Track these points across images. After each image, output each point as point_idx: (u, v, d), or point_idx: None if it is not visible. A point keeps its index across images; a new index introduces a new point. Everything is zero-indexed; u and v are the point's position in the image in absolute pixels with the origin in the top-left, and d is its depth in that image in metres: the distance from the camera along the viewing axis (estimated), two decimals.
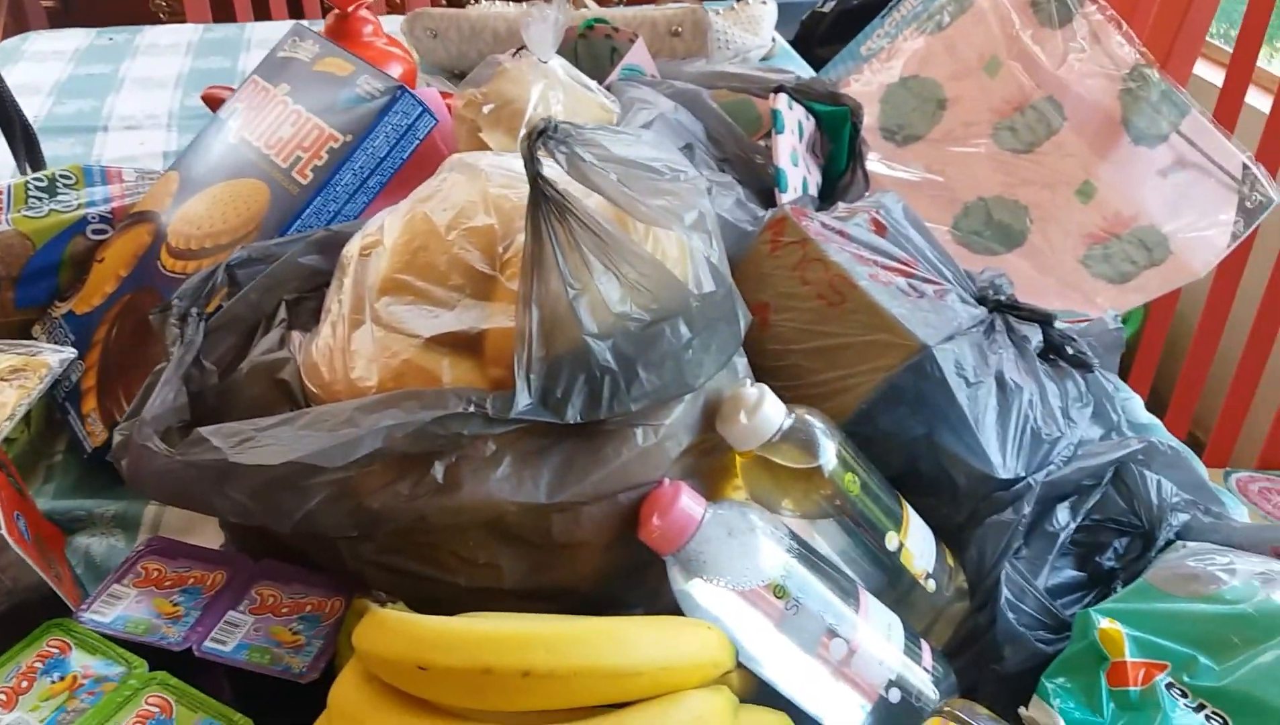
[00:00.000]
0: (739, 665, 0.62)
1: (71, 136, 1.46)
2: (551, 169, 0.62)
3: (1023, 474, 0.77)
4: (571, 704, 0.53)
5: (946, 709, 0.58)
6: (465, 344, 0.64)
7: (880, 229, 0.90)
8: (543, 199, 0.61)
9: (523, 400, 0.60)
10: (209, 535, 0.75)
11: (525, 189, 0.62)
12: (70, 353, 0.89)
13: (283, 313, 0.74)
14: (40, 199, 1.00)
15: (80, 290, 0.96)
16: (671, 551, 0.62)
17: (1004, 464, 0.76)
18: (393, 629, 0.53)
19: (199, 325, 0.73)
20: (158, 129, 1.49)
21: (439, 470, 0.60)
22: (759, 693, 0.63)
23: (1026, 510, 0.73)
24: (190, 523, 0.80)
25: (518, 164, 0.66)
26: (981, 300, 0.86)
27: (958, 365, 0.76)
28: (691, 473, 0.66)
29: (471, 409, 0.59)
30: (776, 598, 0.61)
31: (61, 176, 1.02)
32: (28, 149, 1.22)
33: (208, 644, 0.62)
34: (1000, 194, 1.30)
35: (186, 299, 0.74)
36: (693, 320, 0.63)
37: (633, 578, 0.65)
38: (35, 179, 1.01)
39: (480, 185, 0.69)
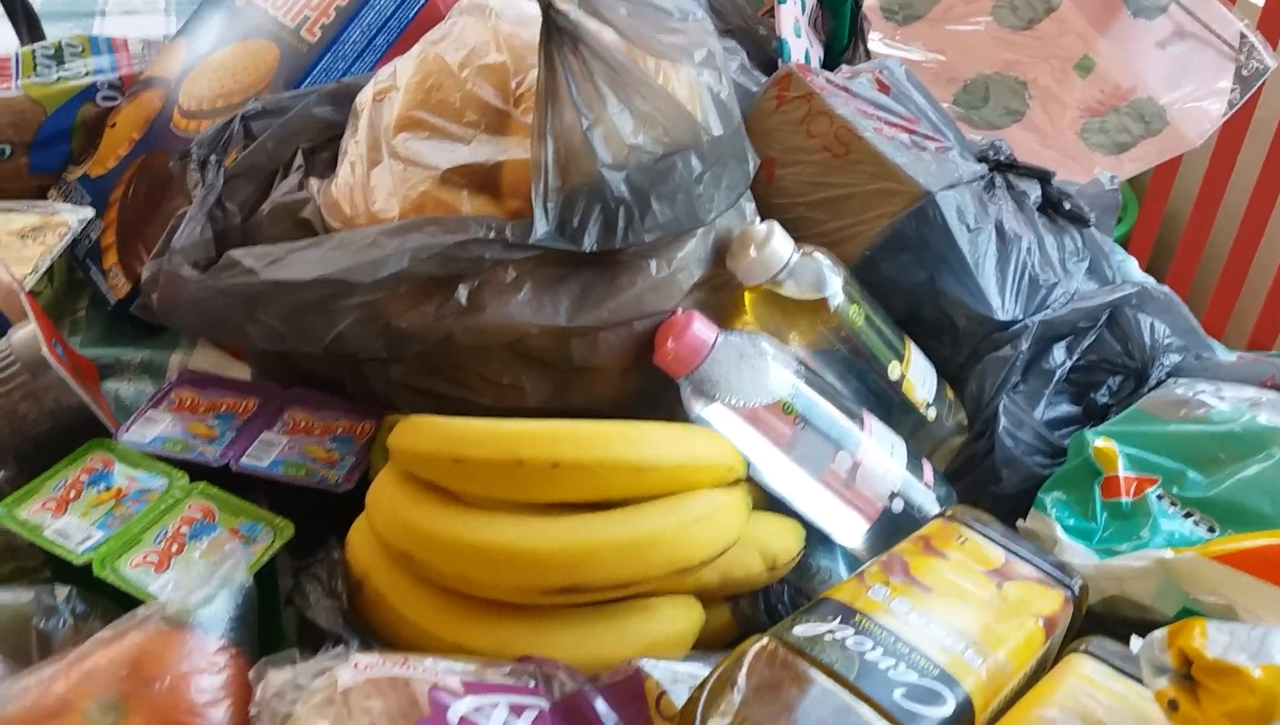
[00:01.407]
0: (750, 480, 0.65)
1: (70, 21, 1.46)
2: (563, 3, 0.63)
3: (1020, 316, 0.79)
4: (596, 496, 0.56)
5: (949, 513, 0.61)
6: (482, 177, 0.66)
7: (883, 88, 0.91)
8: (555, 30, 0.62)
9: (540, 228, 0.62)
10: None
11: (536, 28, 0.64)
12: (88, 212, 0.91)
13: (299, 160, 0.76)
14: (48, 66, 1.00)
15: (93, 155, 0.97)
16: (685, 374, 0.64)
17: (1003, 306, 0.79)
18: (429, 428, 0.56)
19: (219, 171, 0.74)
20: (155, 13, 1.49)
21: (462, 293, 0.62)
22: (767, 507, 0.66)
23: (1025, 347, 0.76)
24: (215, 368, 0.82)
25: (528, 6, 0.67)
26: (982, 159, 0.88)
27: (959, 211, 0.79)
28: (702, 307, 0.68)
29: (491, 234, 0.61)
30: (785, 415, 0.64)
31: (68, 45, 1.03)
32: (29, 27, 1.22)
33: (245, 460, 0.64)
34: (1000, 71, 1.31)
35: (205, 146, 0.76)
36: (704, 154, 0.65)
37: (649, 402, 0.67)
38: (43, 47, 1.02)
39: (491, 24, 0.70)
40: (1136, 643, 0.53)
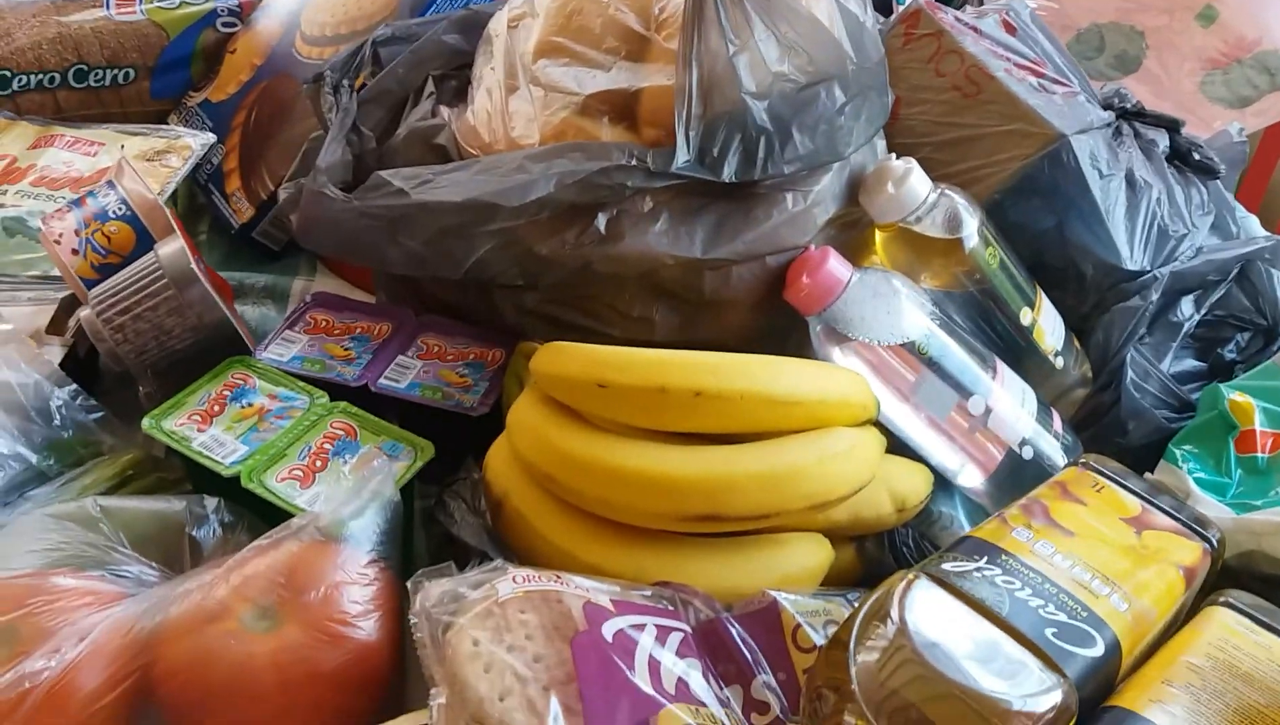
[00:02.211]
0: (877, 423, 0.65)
1: None
2: None
3: (1148, 267, 0.78)
4: (735, 427, 0.56)
5: (1082, 460, 0.60)
6: (622, 104, 0.66)
7: (1010, 29, 0.89)
8: None
9: (682, 155, 0.62)
10: None
11: None
12: (210, 137, 0.92)
13: (430, 87, 0.76)
14: None
15: (213, 80, 0.98)
16: (817, 311, 0.64)
17: (1131, 256, 0.77)
18: (574, 353, 0.57)
19: (352, 96, 0.75)
20: None
21: (602, 221, 0.62)
22: (894, 451, 0.66)
23: (1154, 298, 0.75)
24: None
25: None
26: (1107, 106, 0.86)
27: (1092, 156, 0.77)
28: (833, 243, 0.68)
29: (633, 162, 0.61)
30: (917, 356, 0.63)
31: None
32: None
33: (382, 381, 0.66)
34: (1115, 20, 1.27)
35: (337, 71, 0.76)
36: (848, 85, 0.64)
37: (776, 339, 0.67)
38: None
39: None
40: None
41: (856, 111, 0.66)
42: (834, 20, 0.66)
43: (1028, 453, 0.65)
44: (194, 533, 0.57)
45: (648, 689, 0.45)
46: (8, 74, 0.95)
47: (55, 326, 0.69)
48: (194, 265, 0.64)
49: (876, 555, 0.62)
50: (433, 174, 0.63)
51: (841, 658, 0.45)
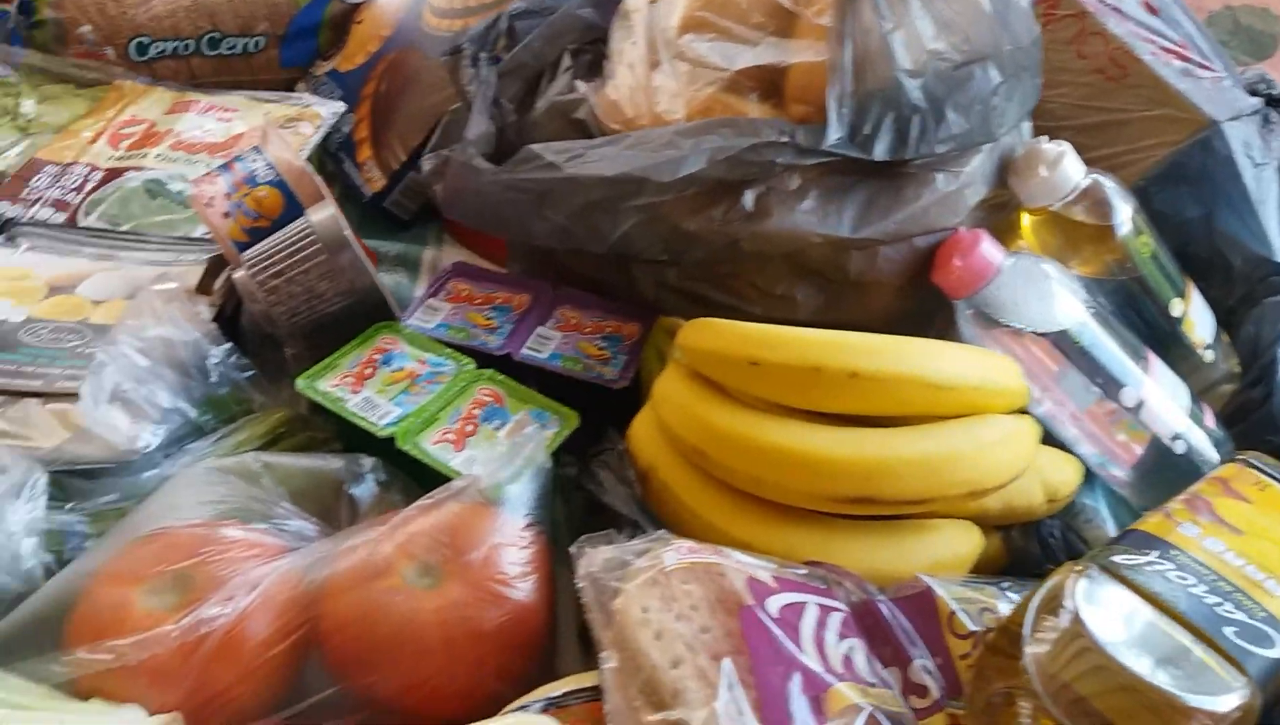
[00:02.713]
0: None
1: None
2: None
3: None
4: (889, 410, 0.55)
5: (1241, 457, 0.59)
6: (770, 80, 0.65)
7: (1152, 10, 0.87)
8: None
9: (834, 133, 0.61)
10: None
11: None
12: (340, 105, 0.94)
13: (567, 61, 0.76)
14: None
15: (341, 50, 0.99)
16: (966, 295, 0.63)
17: None
18: (725, 329, 0.57)
19: (490, 68, 0.75)
20: None
21: (749, 198, 0.62)
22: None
23: None
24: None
25: None
26: (1253, 93, 0.83)
27: (1245, 144, 0.75)
28: (981, 226, 0.67)
29: (784, 139, 0.61)
30: (1068, 345, 0.62)
31: None
32: None
33: (525, 351, 0.66)
34: (1249, 2, 1.23)
35: (475, 43, 0.77)
36: (1003, 65, 0.63)
37: (918, 323, 0.66)
38: None
39: None
40: None
41: (1010, 92, 0.65)
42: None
43: (1180, 447, 0.64)
44: (352, 490, 0.58)
45: (816, 666, 0.45)
46: (145, 40, 0.97)
47: (202, 287, 0.71)
48: (346, 231, 0.65)
49: (1022, 545, 0.61)
50: (583, 148, 0.63)
51: (1014, 648, 0.45)
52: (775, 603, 0.47)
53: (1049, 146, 0.67)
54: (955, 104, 0.62)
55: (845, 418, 0.56)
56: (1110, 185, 0.68)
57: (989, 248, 0.63)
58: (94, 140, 0.90)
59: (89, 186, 0.85)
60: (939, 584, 0.53)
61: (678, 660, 0.44)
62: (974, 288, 0.63)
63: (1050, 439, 0.64)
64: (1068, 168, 0.66)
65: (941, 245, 0.64)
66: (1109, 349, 0.63)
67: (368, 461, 0.59)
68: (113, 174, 0.86)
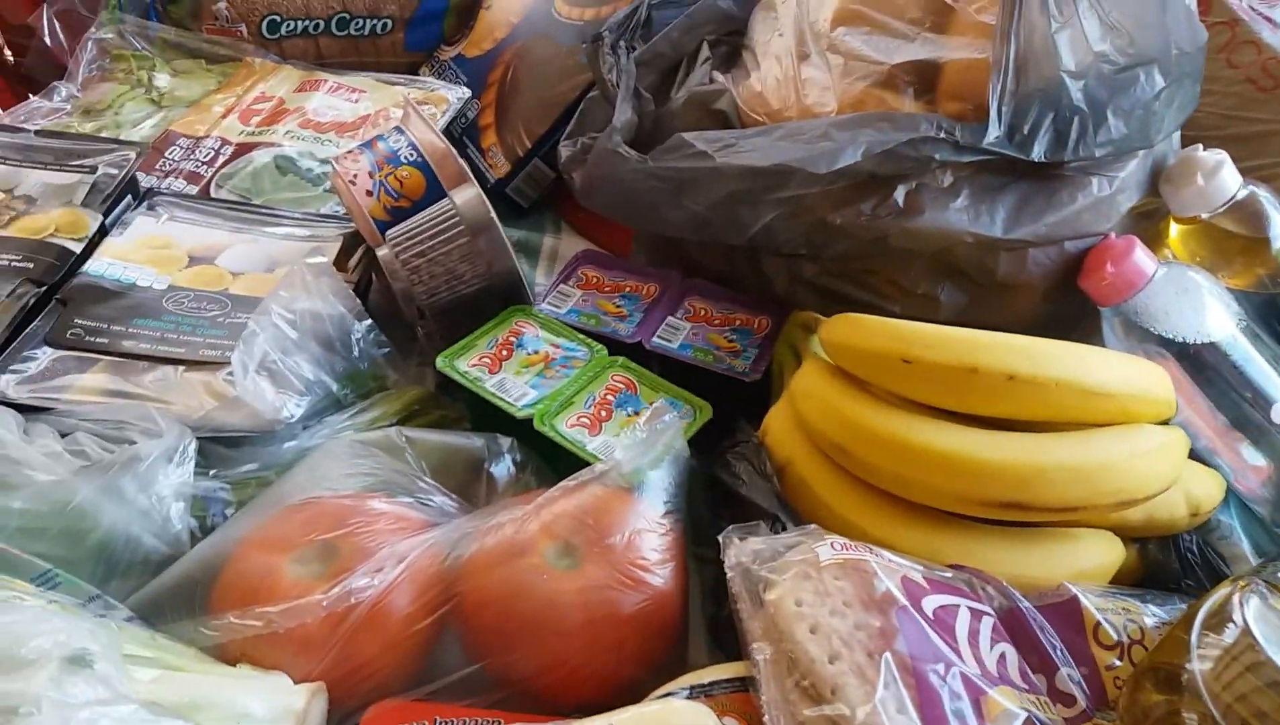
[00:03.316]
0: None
1: None
2: None
3: None
4: (1043, 415, 0.54)
5: None
6: (924, 76, 0.64)
7: None
8: None
9: (994, 131, 0.60)
10: None
11: None
12: (465, 91, 0.94)
13: (706, 51, 0.76)
14: None
15: (467, 35, 1.00)
16: (1116, 302, 0.62)
17: None
18: (875, 325, 0.56)
19: (629, 57, 0.75)
20: None
21: (900, 194, 0.61)
22: None
23: None
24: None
25: None
26: None
27: None
28: (1130, 233, 0.65)
29: (942, 135, 0.60)
30: (1222, 352, 0.60)
31: None
32: None
33: (656, 339, 0.66)
34: None
35: (615, 32, 0.77)
36: (1167, 70, 0.62)
37: (1060, 329, 0.65)
38: None
39: None
40: None
41: (1170, 98, 0.63)
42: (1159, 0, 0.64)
43: None
44: (491, 469, 0.59)
45: (972, 668, 0.44)
46: (277, 18, 0.99)
47: (338, 263, 0.72)
48: (490, 212, 0.65)
49: (1159, 558, 0.60)
50: (734, 137, 0.63)
51: (1176, 663, 0.44)
52: (930, 603, 0.46)
53: (1206, 155, 0.65)
54: (1116, 107, 0.61)
55: (993, 421, 0.55)
56: (1266, 196, 0.66)
57: (1142, 256, 0.61)
58: (225, 115, 0.92)
59: (220, 160, 0.87)
60: (1084, 593, 0.52)
61: (835, 655, 0.43)
62: (1124, 295, 0.61)
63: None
64: (1225, 177, 0.64)
65: (1091, 251, 0.63)
66: (1258, 363, 0.61)
67: (506, 441, 0.60)
68: (243, 148, 0.88)
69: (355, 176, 0.70)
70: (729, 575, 0.48)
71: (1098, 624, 0.51)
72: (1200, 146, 0.66)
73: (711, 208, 0.64)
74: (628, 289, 0.71)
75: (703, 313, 0.69)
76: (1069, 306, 0.64)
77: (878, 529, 0.55)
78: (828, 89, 0.65)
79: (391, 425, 0.63)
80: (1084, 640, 0.50)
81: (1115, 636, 0.50)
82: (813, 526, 0.49)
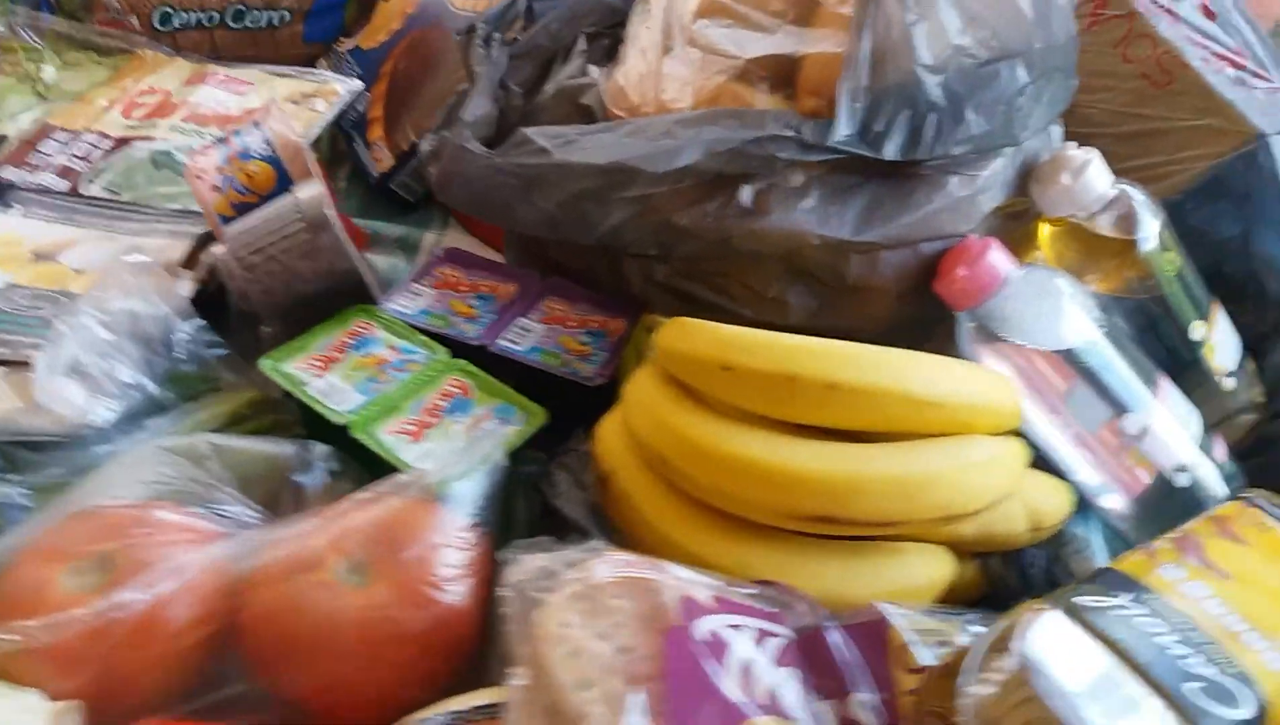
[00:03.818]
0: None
1: None
2: None
3: None
4: (866, 425, 0.52)
5: (1247, 494, 0.54)
6: (783, 71, 0.62)
7: (1209, 14, 0.81)
8: None
9: (843, 129, 0.57)
10: None
11: None
12: (357, 84, 0.92)
13: (582, 44, 0.73)
14: None
15: (365, 27, 0.98)
16: (970, 306, 0.59)
17: None
18: (700, 331, 0.53)
19: (502, 49, 0.73)
20: None
21: (747, 194, 0.59)
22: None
23: None
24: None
25: None
26: None
27: None
28: (994, 235, 0.62)
29: (789, 132, 0.57)
30: (1074, 366, 0.58)
31: None
32: None
33: (502, 342, 0.64)
34: None
35: (490, 24, 0.75)
36: (1032, 64, 0.59)
37: (916, 334, 0.62)
38: None
39: None
40: None
41: (1038, 94, 0.60)
42: None
43: (1183, 479, 0.59)
44: (299, 479, 0.56)
45: (737, 696, 0.41)
46: (170, 10, 0.97)
47: (190, 261, 0.70)
48: (329, 211, 0.63)
49: (1001, 574, 0.57)
50: (577, 134, 0.60)
51: (951, 687, 0.41)
52: (707, 624, 0.44)
53: (1075, 153, 0.62)
54: (977, 103, 0.58)
55: (823, 430, 0.52)
56: (1138, 198, 0.63)
57: (997, 257, 0.58)
58: (108, 108, 0.89)
59: (97, 155, 0.85)
60: (896, 613, 0.49)
61: (588, 682, 0.41)
62: (978, 299, 0.58)
63: (1046, 463, 0.60)
64: (1093, 177, 0.61)
65: (947, 253, 0.60)
66: (1118, 371, 0.58)
67: (320, 449, 0.57)
68: (122, 143, 0.86)
69: (203, 171, 0.68)
70: (504, 595, 0.45)
71: (905, 645, 0.48)
72: (1073, 144, 0.64)
73: (561, 206, 0.61)
74: (484, 289, 0.68)
75: (559, 314, 0.66)
76: (925, 310, 0.61)
77: (693, 543, 0.53)
78: (686, 84, 0.63)
79: (216, 430, 0.61)
80: (887, 663, 0.48)
81: (923, 660, 0.47)
82: (596, 542, 0.47)
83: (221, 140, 0.70)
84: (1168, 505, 0.59)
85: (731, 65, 0.61)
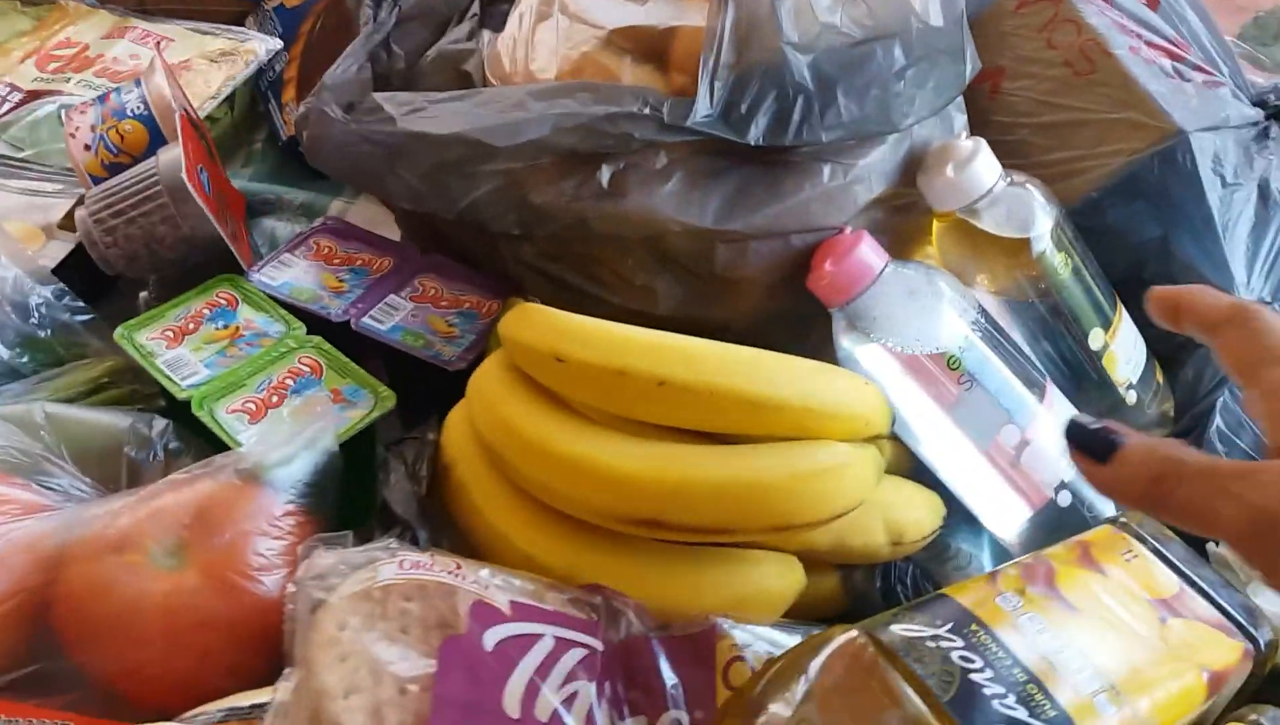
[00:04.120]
0: (894, 438, 0.57)
1: None
2: None
3: (1268, 299, 0.67)
4: (706, 426, 0.49)
5: (1122, 519, 0.51)
6: (651, 44, 0.59)
7: (1152, 3, 0.77)
8: None
9: (703, 109, 0.54)
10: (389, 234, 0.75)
11: None
12: (276, 44, 0.90)
13: (476, 8, 0.71)
14: None
15: None
16: (841, 303, 0.56)
17: (1248, 282, 0.66)
18: (536, 318, 0.51)
19: (393, 10, 0.70)
20: None
21: (605, 174, 0.56)
22: (911, 473, 0.58)
23: None
24: (373, 222, 0.80)
25: None
26: (1259, 104, 0.73)
27: (1215, 160, 0.66)
28: (880, 229, 0.60)
29: (646, 110, 0.55)
30: (950, 370, 0.55)
31: None
32: None
33: (365, 320, 0.62)
34: None
35: None
36: (911, 46, 0.56)
37: (794, 329, 0.60)
38: None
39: None
40: None
41: (921, 78, 0.57)
42: None
43: (1064, 498, 0.56)
44: (134, 454, 0.55)
45: (512, 713, 0.40)
46: None
47: (67, 222, 0.68)
48: (185, 176, 0.61)
49: (864, 589, 0.55)
50: (426, 101, 0.58)
51: (742, 709, 0.39)
52: (495, 634, 0.42)
53: (963, 143, 0.59)
54: (849, 87, 0.55)
55: (680, 431, 0.50)
56: (1034, 192, 0.60)
57: (867, 252, 0.56)
58: (23, 60, 0.88)
59: (5, 108, 0.83)
60: (730, 626, 0.47)
61: (354, 689, 0.39)
62: (848, 295, 0.56)
63: (927, 473, 0.58)
64: (979, 168, 0.58)
65: (820, 247, 0.58)
66: (998, 377, 0.56)
67: (159, 424, 0.56)
68: (32, 96, 0.84)
69: (78, 129, 0.66)
70: (289, 590, 0.43)
71: (733, 660, 0.46)
72: (964, 134, 0.60)
73: (423, 178, 0.59)
74: (359, 262, 0.66)
75: (432, 292, 0.64)
76: (802, 305, 0.58)
77: (524, 541, 0.51)
78: (554, 53, 0.60)
79: (72, 399, 0.59)
80: (711, 679, 0.46)
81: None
82: (389, 541, 0.45)
83: (101, 98, 0.68)
84: (1056, 527, 0.56)
85: (596, 35, 0.59)
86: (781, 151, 0.56)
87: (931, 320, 0.56)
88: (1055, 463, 0.56)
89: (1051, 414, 0.57)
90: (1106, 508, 0.57)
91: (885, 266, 0.56)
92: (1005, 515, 0.57)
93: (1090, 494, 0.57)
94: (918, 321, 0.55)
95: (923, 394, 0.55)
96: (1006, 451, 0.56)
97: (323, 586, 0.42)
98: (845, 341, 0.57)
